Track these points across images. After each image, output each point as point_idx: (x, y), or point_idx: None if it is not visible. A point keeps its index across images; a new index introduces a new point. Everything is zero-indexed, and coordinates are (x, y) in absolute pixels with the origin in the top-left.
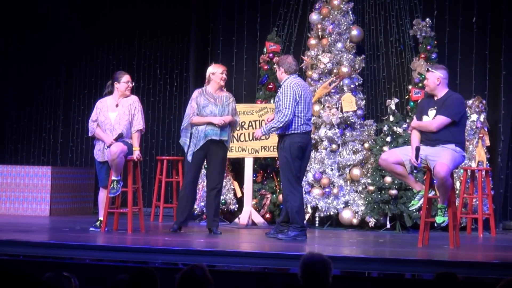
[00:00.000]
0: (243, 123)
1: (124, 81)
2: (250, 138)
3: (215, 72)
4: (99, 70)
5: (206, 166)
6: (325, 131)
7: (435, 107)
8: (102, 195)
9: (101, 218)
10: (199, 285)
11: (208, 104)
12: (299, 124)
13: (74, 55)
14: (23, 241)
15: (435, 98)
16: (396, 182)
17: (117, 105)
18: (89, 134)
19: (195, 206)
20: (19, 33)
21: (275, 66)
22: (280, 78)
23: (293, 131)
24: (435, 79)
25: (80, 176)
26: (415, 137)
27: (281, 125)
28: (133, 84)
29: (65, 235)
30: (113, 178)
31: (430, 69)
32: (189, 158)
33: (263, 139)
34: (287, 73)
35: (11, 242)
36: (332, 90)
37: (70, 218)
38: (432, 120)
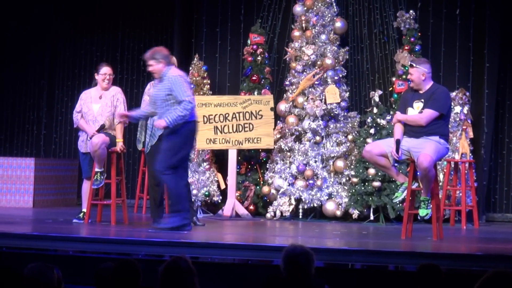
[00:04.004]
0: (226, 115)
1: (101, 73)
2: (234, 130)
3: None
4: (82, 61)
5: None
6: (309, 123)
7: (422, 100)
8: (86, 186)
9: (84, 209)
10: (184, 276)
11: None
12: (194, 112)
13: (57, 46)
14: (6, 233)
15: (420, 91)
16: (379, 174)
17: (100, 97)
18: (74, 126)
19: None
20: (2, 24)
21: (151, 61)
22: (159, 70)
23: (190, 118)
24: (420, 75)
25: (63, 168)
26: (398, 129)
27: (187, 112)
28: (113, 76)
29: (49, 226)
30: (97, 169)
31: (414, 64)
32: (146, 149)
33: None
34: (167, 64)
35: None
36: (316, 82)
37: (54, 209)
38: (421, 114)
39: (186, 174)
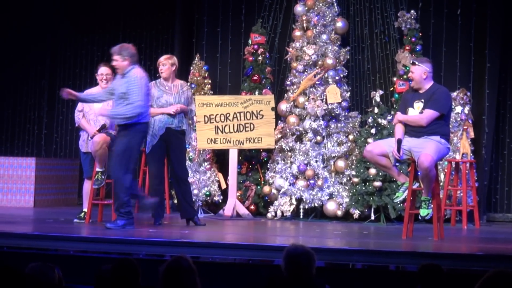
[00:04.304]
0: (227, 115)
1: (99, 73)
2: (235, 130)
3: (158, 63)
4: (83, 61)
5: (167, 157)
6: (310, 123)
7: (422, 100)
8: (87, 186)
9: (85, 209)
10: (186, 275)
11: (163, 94)
12: (147, 113)
13: (58, 46)
14: (7, 233)
15: (421, 91)
16: (380, 174)
17: None
18: (75, 125)
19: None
20: (3, 23)
21: (117, 56)
22: (122, 66)
23: (143, 119)
24: (422, 73)
25: (64, 168)
26: (399, 130)
27: (131, 115)
28: (111, 76)
29: (49, 226)
30: (98, 169)
31: (416, 62)
32: (147, 149)
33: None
34: (132, 63)
35: None
36: (317, 82)
37: (54, 209)
38: (421, 115)
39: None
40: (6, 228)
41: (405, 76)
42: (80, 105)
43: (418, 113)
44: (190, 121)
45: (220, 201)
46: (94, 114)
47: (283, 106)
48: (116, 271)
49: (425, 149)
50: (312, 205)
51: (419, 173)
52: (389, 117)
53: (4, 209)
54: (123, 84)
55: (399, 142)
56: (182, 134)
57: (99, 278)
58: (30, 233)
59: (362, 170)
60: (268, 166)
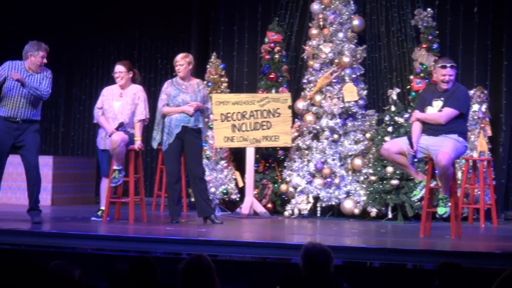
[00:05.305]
0: (244, 113)
1: (114, 71)
2: (252, 128)
3: (174, 62)
4: (100, 59)
5: (184, 155)
6: (327, 121)
7: (442, 98)
8: (104, 184)
9: (102, 207)
10: (205, 273)
11: (179, 93)
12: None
13: (75, 44)
14: (25, 231)
15: (440, 90)
16: (397, 172)
17: (121, 95)
18: (94, 121)
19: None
20: (19, 22)
21: (45, 53)
22: (41, 65)
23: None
24: (454, 74)
25: (81, 166)
26: (417, 128)
27: (41, 96)
28: (124, 74)
29: (67, 224)
30: (115, 167)
31: (454, 64)
32: (164, 148)
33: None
34: None
35: (12, 232)
36: (334, 80)
37: (72, 207)
38: (440, 113)
39: None
40: (24, 226)
41: (422, 74)
42: (99, 102)
43: (437, 111)
44: (206, 119)
45: (237, 199)
46: (113, 113)
47: (300, 104)
48: (134, 269)
49: (443, 147)
50: (329, 203)
51: (436, 171)
52: (406, 115)
53: (21, 207)
54: (37, 79)
55: (410, 138)
56: (199, 132)
57: (112, 278)
58: (48, 231)
59: (379, 168)
60: (285, 164)
